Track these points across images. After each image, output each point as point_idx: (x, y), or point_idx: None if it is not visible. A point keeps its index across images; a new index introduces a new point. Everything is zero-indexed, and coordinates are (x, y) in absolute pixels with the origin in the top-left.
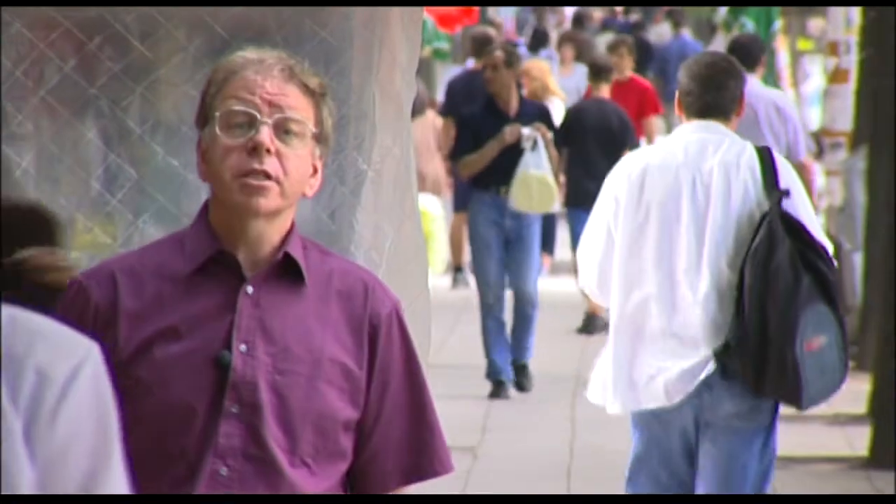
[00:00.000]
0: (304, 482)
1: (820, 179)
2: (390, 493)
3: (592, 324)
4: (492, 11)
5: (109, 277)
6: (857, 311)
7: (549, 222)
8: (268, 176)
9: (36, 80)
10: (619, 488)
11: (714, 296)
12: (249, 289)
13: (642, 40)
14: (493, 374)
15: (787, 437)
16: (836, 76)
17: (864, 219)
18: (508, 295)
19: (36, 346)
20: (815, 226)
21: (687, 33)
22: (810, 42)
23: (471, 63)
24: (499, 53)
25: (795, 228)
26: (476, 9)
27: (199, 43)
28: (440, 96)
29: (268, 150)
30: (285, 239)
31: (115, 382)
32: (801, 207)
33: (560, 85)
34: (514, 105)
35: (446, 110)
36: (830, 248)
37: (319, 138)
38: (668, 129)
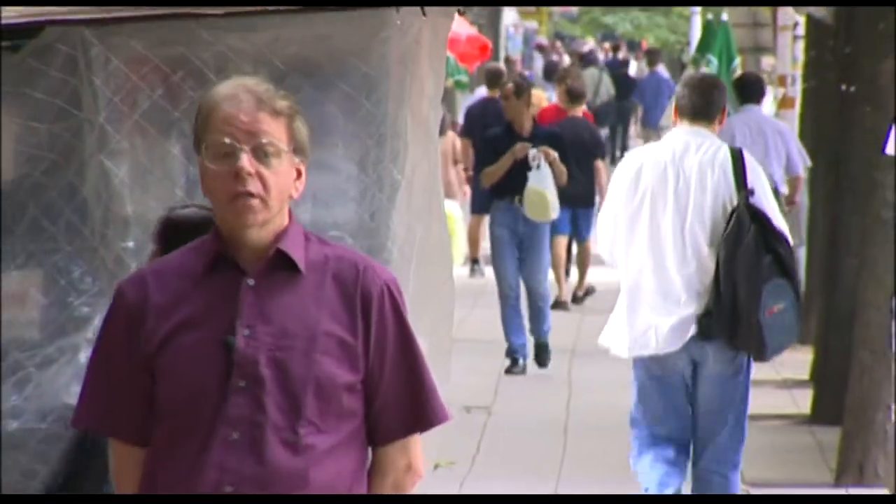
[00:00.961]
0: (311, 439)
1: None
2: (397, 447)
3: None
4: (507, 49)
5: (142, 280)
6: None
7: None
8: (251, 195)
9: (130, 106)
10: (605, 438)
11: (695, 267)
12: (250, 282)
13: (627, 75)
14: (510, 352)
15: None
16: (784, 103)
17: (806, 219)
18: (522, 286)
19: None
20: (777, 217)
21: (662, 68)
22: (764, 75)
23: (481, 91)
24: (510, 86)
25: (759, 219)
26: (489, 47)
27: (262, 76)
28: (460, 119)
29: (249, 174)
30: (279, 237)
31: (147, 372)
32: (766, 202)
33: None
34: (527, 128)
35: (465, 131)
36: (789, 235)
37: (295, 150)
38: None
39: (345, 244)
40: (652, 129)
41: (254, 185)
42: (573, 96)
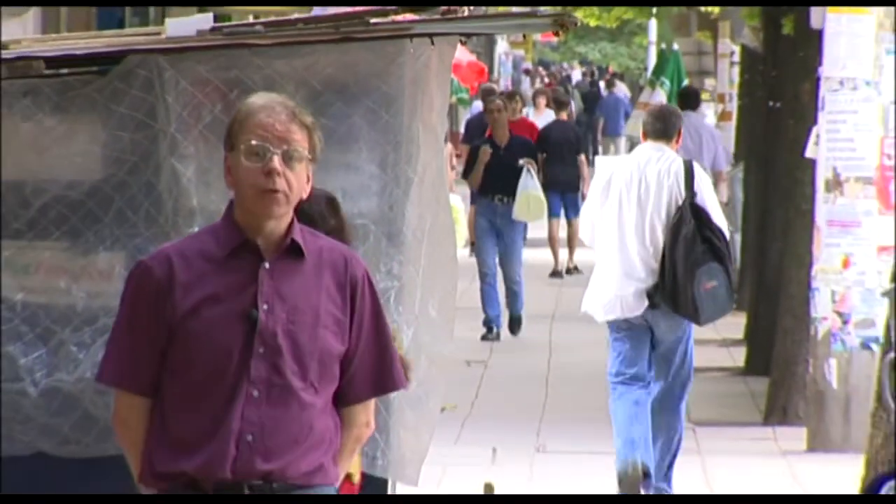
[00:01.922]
0: (312, 398)
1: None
2: (361, 406)
3: (556, 273)
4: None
5: (167, 258)
6: (736, 272)
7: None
8: (278, 191)
9: (195, 118)
10: (578, 387)
11: (651, 251)
12: (267, 265)
13: (597, 94)
14: (486, 322)
15: None
16: (723, 116)
17: (741, 211)
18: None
19: None
20: (718, 215)
21: (619, 89)
22: (707, 94)
23: (478, 105)
24: (498, 102)
25: (699, 214)
26: (486, 70)
27: (302, 93)
28: (461, 129)
29: (278, 173)
30: (289, 229)
31: (166, 338)
32: (709, 202)
33: (535, 121)
34: (505, 139)
35: (466, 139)
36: (725, 229)
37: (312, 159)
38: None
39: (369, 230)
40: (611, 137)
41: (280, 183)
42: (559, 104)
